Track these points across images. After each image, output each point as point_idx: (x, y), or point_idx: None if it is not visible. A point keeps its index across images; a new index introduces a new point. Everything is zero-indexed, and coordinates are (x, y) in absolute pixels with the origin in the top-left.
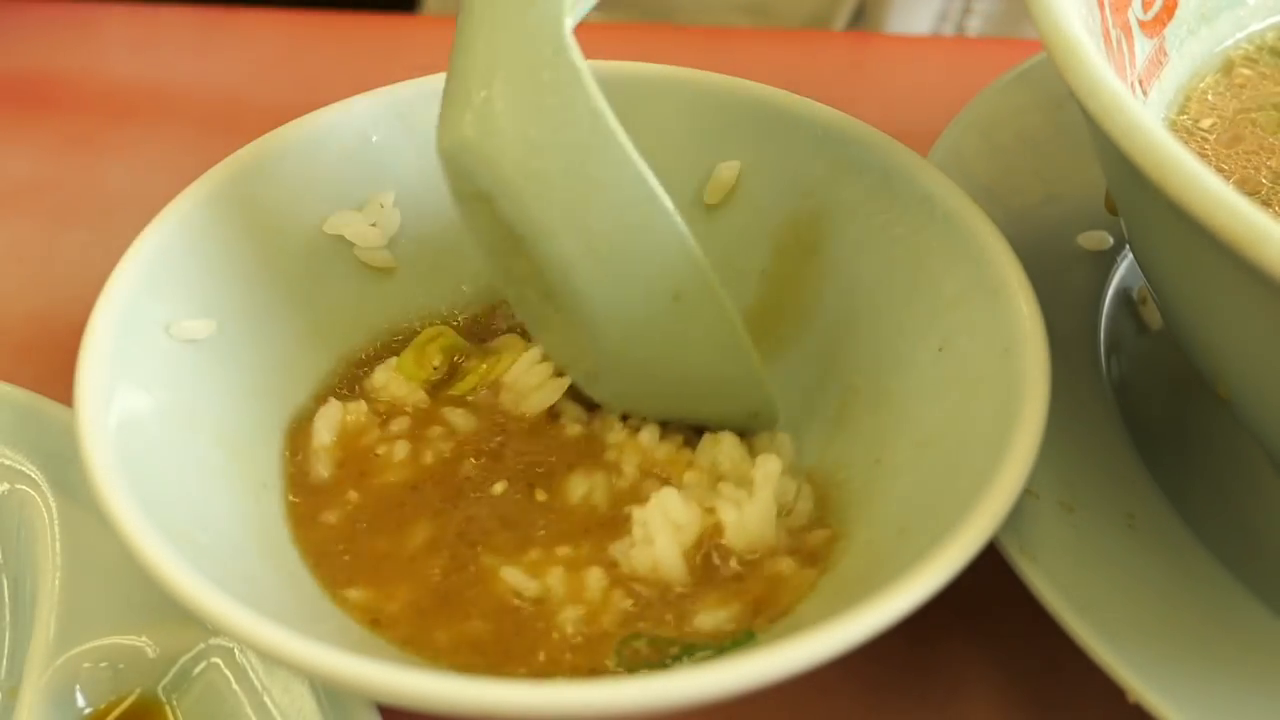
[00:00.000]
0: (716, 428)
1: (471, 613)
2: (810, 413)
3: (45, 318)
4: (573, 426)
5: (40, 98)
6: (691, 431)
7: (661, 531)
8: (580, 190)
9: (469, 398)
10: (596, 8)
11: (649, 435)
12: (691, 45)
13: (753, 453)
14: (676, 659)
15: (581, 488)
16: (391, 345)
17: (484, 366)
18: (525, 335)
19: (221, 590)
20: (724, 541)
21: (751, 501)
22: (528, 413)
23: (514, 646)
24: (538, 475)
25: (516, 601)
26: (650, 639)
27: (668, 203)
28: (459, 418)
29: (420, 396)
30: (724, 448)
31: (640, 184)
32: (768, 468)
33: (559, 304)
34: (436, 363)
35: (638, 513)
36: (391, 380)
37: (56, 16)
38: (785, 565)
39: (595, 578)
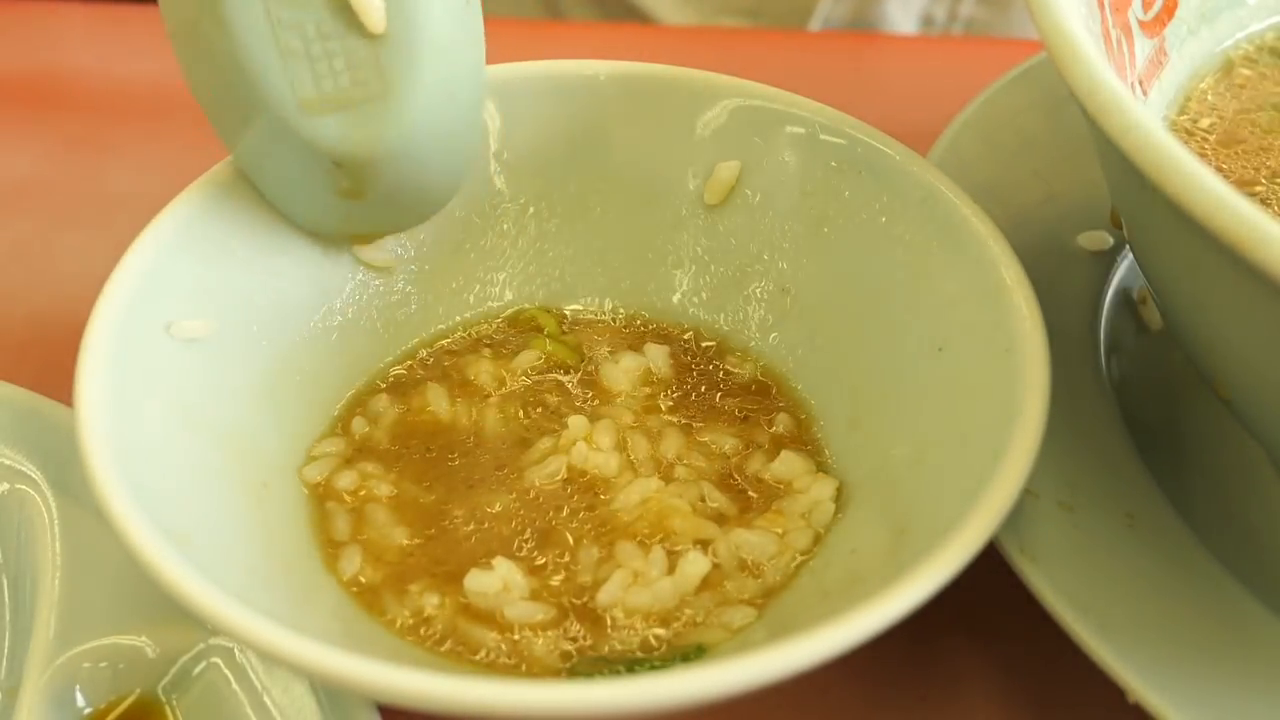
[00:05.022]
0: None
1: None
2: (821, 413)
3: (45, 318)
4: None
5: (40, 98)
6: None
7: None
8: None
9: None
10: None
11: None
12: (691, 45)
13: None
14: (629, 669)
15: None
16: (391, 346)
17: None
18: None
19: (221, 590)
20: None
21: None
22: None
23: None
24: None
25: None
26: (598, 657)
27: None
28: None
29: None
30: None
31: None
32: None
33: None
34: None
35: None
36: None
37: (58, 16)
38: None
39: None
